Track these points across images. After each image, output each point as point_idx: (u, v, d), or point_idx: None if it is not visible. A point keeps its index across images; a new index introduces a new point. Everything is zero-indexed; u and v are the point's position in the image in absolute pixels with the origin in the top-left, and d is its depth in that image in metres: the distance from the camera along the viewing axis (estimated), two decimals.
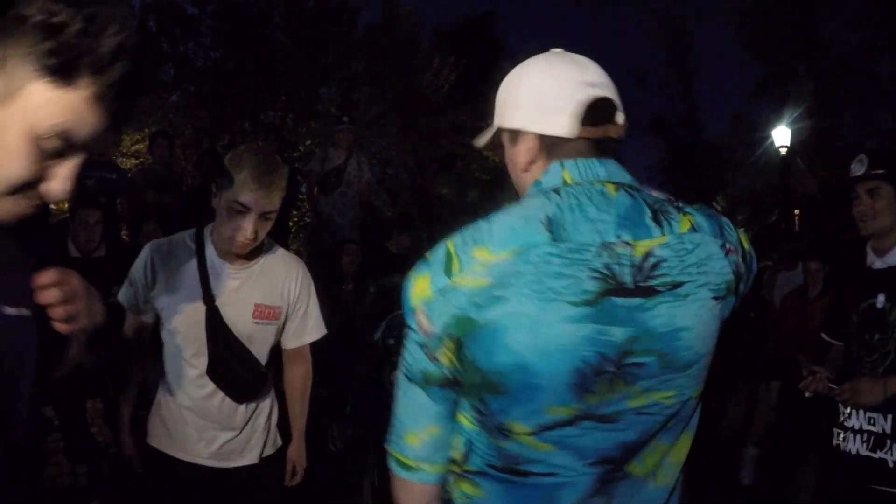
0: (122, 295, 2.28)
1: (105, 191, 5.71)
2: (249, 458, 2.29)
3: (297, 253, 7.55)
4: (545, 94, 1.20)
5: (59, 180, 0.90)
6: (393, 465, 1.25)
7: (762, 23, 21.05)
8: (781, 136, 14.48)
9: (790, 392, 4.03)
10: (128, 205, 6.23)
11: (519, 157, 1.24)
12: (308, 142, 10.95)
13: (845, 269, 3.06)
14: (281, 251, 2.36)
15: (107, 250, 4.40)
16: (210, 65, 11.18)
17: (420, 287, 1.13)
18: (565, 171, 1.16)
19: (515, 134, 1.24)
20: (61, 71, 0.83)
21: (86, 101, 0.85)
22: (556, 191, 1.13)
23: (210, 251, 2.19)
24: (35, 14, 0.81)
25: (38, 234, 1.11)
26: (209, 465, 2.23)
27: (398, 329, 4.64)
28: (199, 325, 2.14)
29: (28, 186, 0.89)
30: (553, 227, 1.07)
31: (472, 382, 1.13)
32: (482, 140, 1.36)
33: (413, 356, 1.17)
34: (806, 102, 18.84)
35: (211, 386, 2.17)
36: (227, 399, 2.20)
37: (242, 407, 2.24)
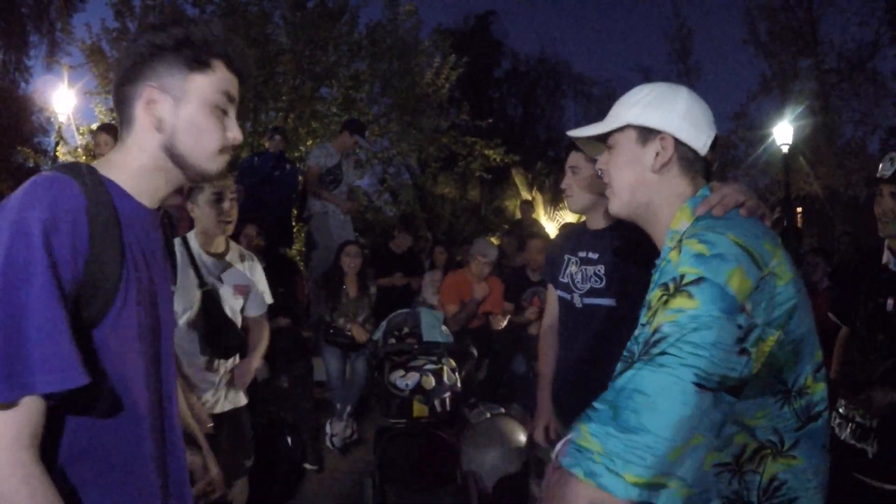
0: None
1: None
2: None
3: (300, 253, 7.54)
4: (695, 113, 1.41)
5: (233, 127, 1.33)
6: (619, 490, 1.06)
7: (766, 20, 21.04)
8: (784, 133, 14.40)
9: None
10: None
11: (647, 157, 1.40)
12: (309, 142, 10.93)
13: (858, 264, 3.02)
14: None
15: None
16: None
17: (737, 280, 1.16)
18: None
19: (650, 133, 1.40)
20: (199, 61, 1.25)
21: (223, 68, 1.29)
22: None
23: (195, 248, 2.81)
24: (165, 40, 1.23)
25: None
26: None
27: (398, 329, 4.64)
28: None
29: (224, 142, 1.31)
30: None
31: (775, 365, 1.24)
32: (592, 131, 1.48)
33: (716, 359, 1.12)
34: (808, 100, 18.81)
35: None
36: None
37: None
